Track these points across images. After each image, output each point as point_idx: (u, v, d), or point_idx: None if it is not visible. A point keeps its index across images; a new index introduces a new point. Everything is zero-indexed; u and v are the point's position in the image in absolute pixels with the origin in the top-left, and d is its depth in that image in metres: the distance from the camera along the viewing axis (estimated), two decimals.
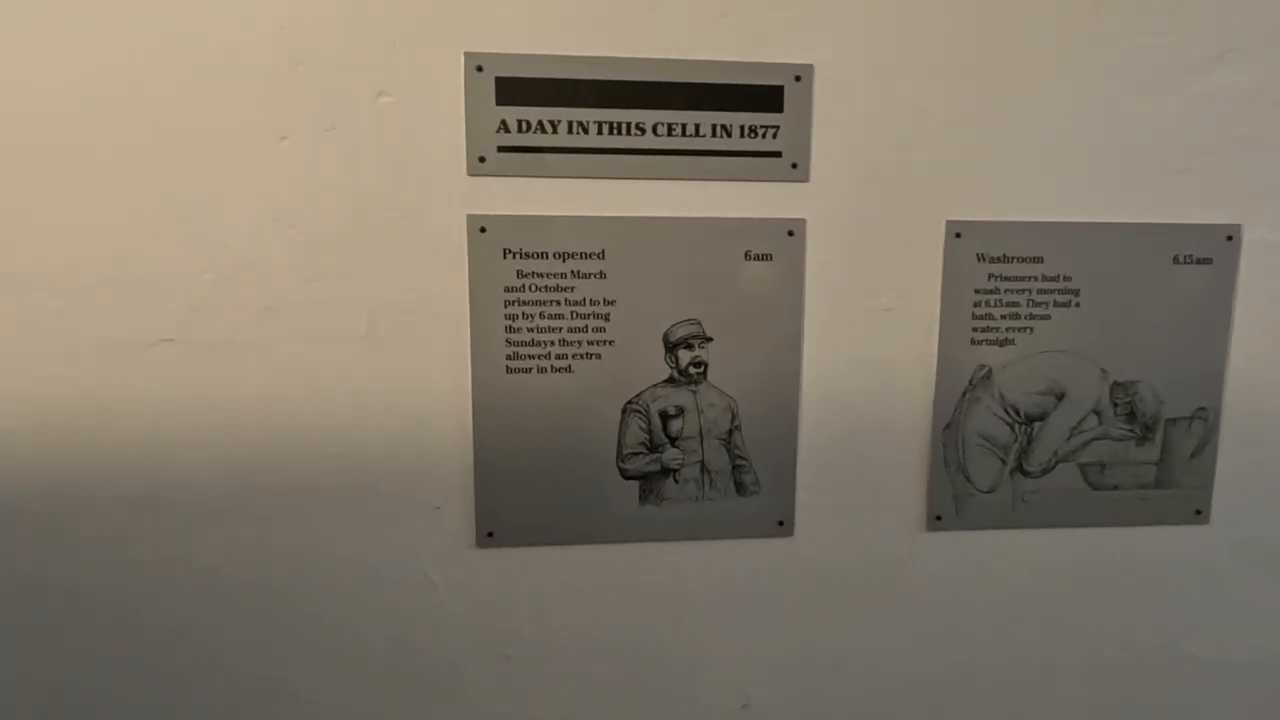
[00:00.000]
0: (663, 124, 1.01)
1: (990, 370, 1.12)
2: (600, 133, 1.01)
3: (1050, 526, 1.16)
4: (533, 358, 1.04)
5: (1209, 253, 1.12)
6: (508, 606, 1.10)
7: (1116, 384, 1.14)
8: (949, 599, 1.17)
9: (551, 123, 1.00)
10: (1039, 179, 1.09)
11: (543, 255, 1.02)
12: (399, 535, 1.07)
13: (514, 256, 1.02)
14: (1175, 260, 1.12)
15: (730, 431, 1.09)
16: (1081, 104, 1.07)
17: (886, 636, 1.17)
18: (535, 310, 1.03)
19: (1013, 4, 1.04)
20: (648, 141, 1.01)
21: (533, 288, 1.03)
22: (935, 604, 1.17)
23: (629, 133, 1.01)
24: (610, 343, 1.05)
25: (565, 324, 1.04)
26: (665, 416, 1.07)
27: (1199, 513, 1.18)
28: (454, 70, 0.97)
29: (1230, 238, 1.12)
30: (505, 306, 1.02)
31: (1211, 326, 1.14)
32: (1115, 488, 1.16)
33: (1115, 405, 1.14)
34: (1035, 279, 1.11)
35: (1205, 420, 1.16)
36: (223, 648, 1.08)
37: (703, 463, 1.09)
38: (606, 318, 1.04)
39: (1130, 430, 1.15)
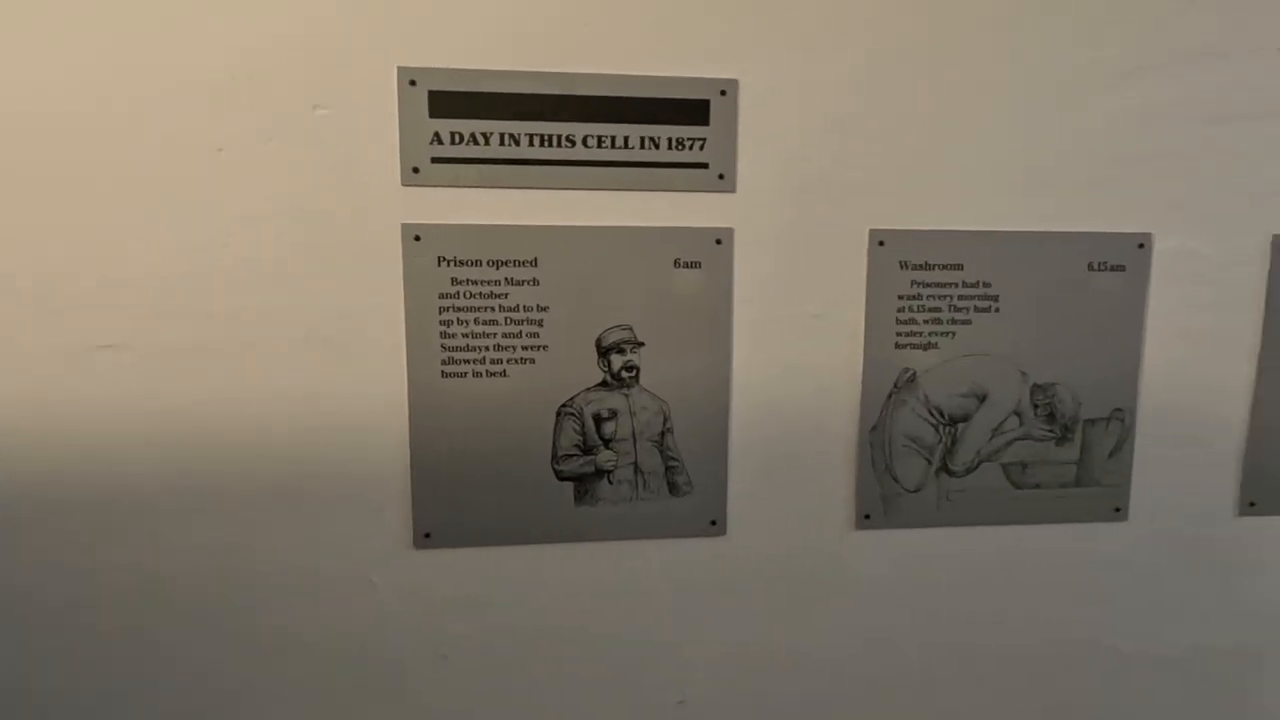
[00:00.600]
0: (592, 136, 1.05)
1: (914, 373, 1.16)
2: (532, 145, 1.04)
3: (975, 524, 1.20)
4: (468, 363, 1.07)
5: (1122, 260, 1.17)
6: (446, 606, 1.13)
7: (1036, 386, 1.18)
8: (879, 596, 1.21)
9: (484, 135, 1.03)
10: (959, 190, 1.13)
11: (476, 263, 1.05)
12: (339, 537, 1.09)
13: (448, 264, 1.05)
14: (1090, 267, 1.17)
15: (663, 433, 1.12)
16: (1000, 118, 1.12)
17: (819, 633, 1.20)
18: (470, 316, 1.06)
19: (933, 22, 1.09)
20: (578, 153, 1.05)
21: (467, 294, 1.06)
22: (865, 600, 1.20)
23: (560, 145, 1.04)
24: (544, 348, 1.08)
25: (499, 330, 1.07)
26: (599, 419, 1.11)
27: (1118, 510, 1.23)
28: (388, 84, 1.00)
29: (1142, 246, 1.17)
30: (440, 313, 1.05)
31: (1126, 330, 1.19)
32: (1037, 486, 1.21)
33: (1035, 406, 1.19)
34: (956, 285, 1.15)
35: (1122, 420, 1.21)
36: (167, 650, 1.10)
37: (636, 464, 1.12)
38: (540, 324, 1.08)
39: (1050, 430, 1.20)
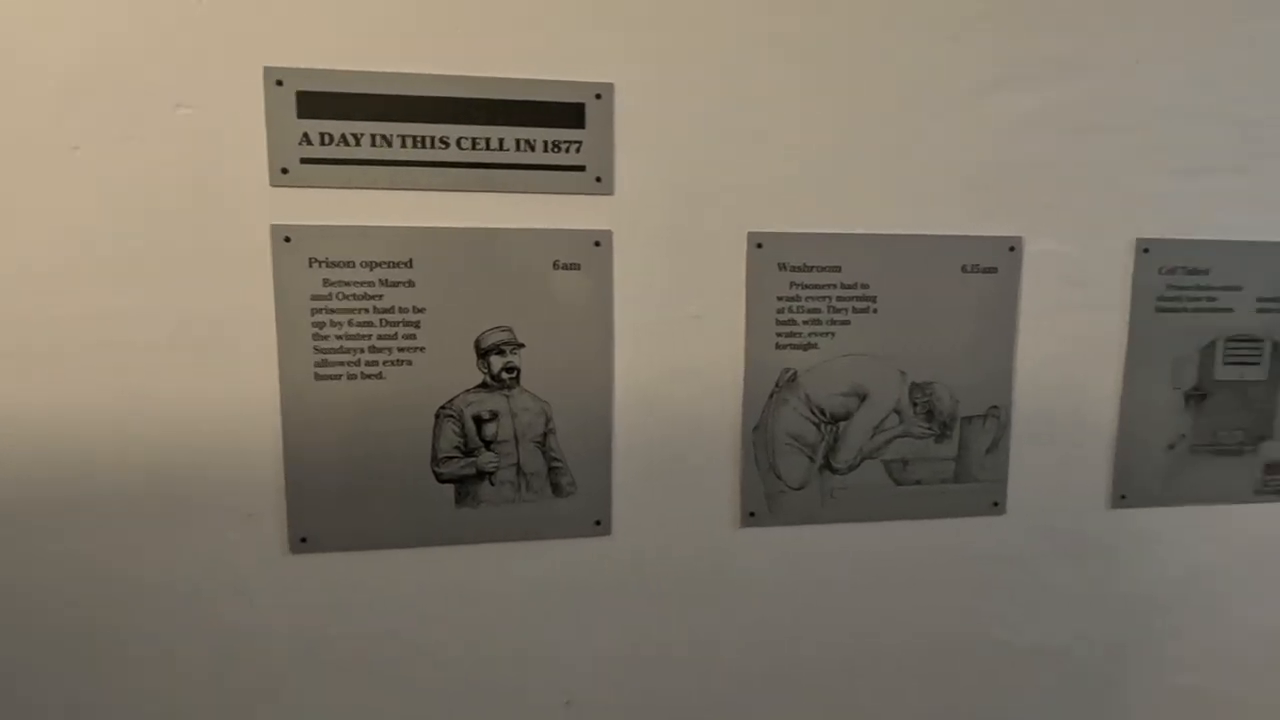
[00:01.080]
0: (466, 138, 1.05)
1: (795, 373, 1.18)
2: (404, 146, 1.04)
3: (858, 521, 1.23)
4: (343, 365, 1.06)
5: (994, 262, 1.22)
6: (325, 612, 1.11)
7: (915, 385, 1.22)
8: (765, 593, 1.23)
9: (354, 136, 1.02)
10: (835, 193, 1.16)
11: (349, 264, 1.04)
12: (211, 545, 1.07)
13: (320, 265, 1.04)
14: (964, 269, 1.21)
15: (545, 434, 1.12)
16: (875, 123, 1.15)
17: (706, 631, 1.22)
18: (344, 318, 1.05)
19: (808, 27, 1.11)
20: (452, 155, 1.05)
21: (340, 296, 1.05)
22: (751, 598, 1.22)
23: (433, 146, 1.04)
24: (421, 349, 1.08)
25: (375, 331, 1.06)
26: (479, 421, 1.10)
27: (996, 504, 1.27)
28: (254, 84, 0.99)
29: (1013, 248, 1.22)
30: (312, 315, 1.04)
31: (999, 331, 1.23)
32: (917, 483, 1.24)
33: (914, 405, 1.22)
34: (835, 287, 1.18)
35: (997, 418, 1.25)
36: (27, 670, 1.06)
37: (518, 465, 1.12)
38: (417, 325, 1.07)
39: (929, 428, 1.23)
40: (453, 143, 1.05)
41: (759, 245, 1.15)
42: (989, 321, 1.22)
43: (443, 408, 1.09)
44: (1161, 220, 1.25)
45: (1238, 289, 1.29)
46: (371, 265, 1.05)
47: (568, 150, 1.07)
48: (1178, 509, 1.32)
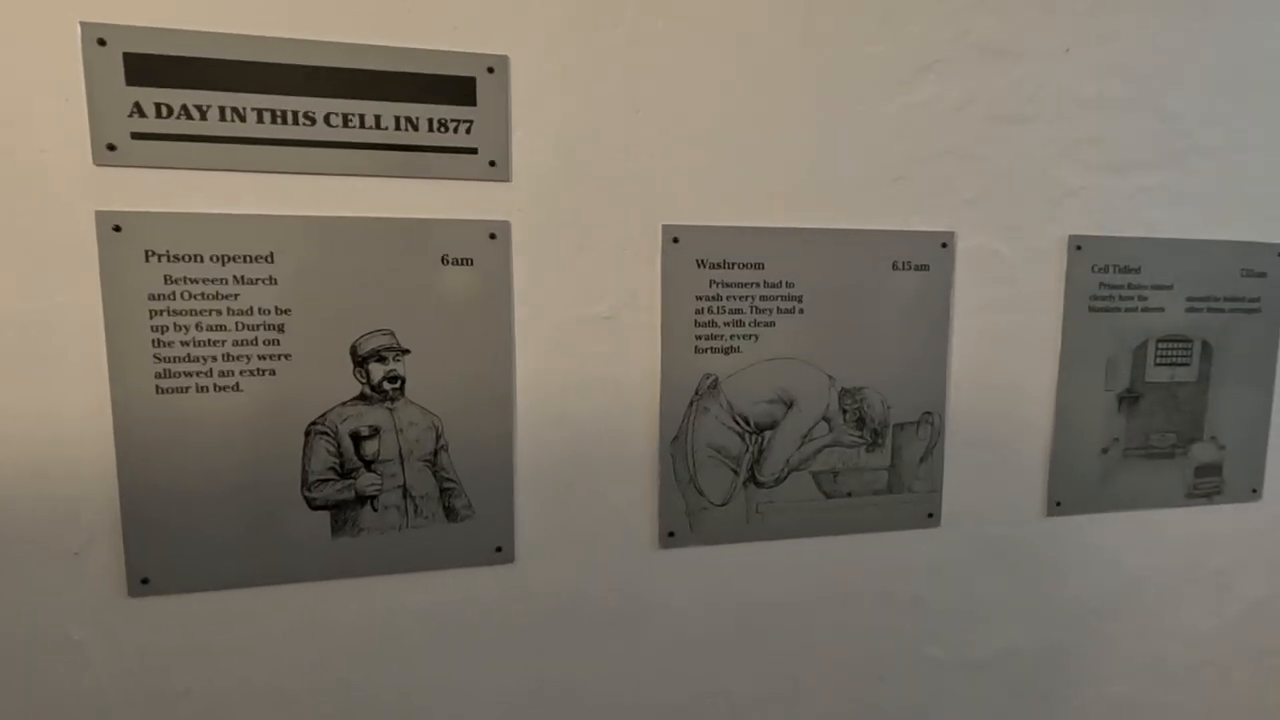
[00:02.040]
0: (337, 114, 0.91)
1: (717, 379, 1.09)
2: (263, 122, 0.89)
3: (786, 537, 1.14)
4: (190, 375, 0.91)
5: (925, 259, 1.15)
6: (172, 663, 0.95)
7: (844, 390, 1.14)
8: (687, 619, 1.12)
9: (199, 108, 0.88)
10: (757, 184, 1.07)
11: (196, 258, 0.89)
12: (30, 589, 0.90)
13: (159, 259, 0.88)
14: (894, 267, 1.13)
15: (435, 452, 1.00)
16: (798, 110, 1.06)
17: (622, 665, 1.11)
18: (190, 321, 0.90)
19: (727, 5, 1.02)
20: (320, 133, 0.91)
21: (186, 295, 0.90)
22: (672, 625, 1.12)
23: (297, 122, 0.90)
24: (286, 357, 0.93)
25: (229, 336, 0.91)
26: (358, 438, 0.97)
27: (930, 516, 1.20)
28: (69, 43, 0.84)
29: (945, 245, 1.15)
30: (151, 317, 0.89)
31: (932, 332, 1.16)
32: (849, 495, 1.16)
33: (844, 412, 1.14)
34: (757, 285, 1.09)
35: (931, 424, 1.18)
36: None
37: (405, 487, 0.99)
38: (280, 329, 0.93)
39: (860, 436, 1.15)
40: (320, 119, 0.91)
41: (675, 240, 1.04)
42: (921, 322, 1.15)
43: (314, 423, 0.95)
44: (1093, 217, 1.20)
45: (1168, 288, 1.26)
46: (224, 259, 0.90)
47: (457, 130, 0.95)
48: (1112, 515, 1.28)
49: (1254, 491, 1.35)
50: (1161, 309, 1.26)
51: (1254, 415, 1.33)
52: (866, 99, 1.08)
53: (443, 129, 0.95)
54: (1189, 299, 1.27)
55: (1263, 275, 1.30)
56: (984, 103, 1.13)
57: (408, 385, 0.97)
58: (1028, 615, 1.27)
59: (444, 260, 0.97)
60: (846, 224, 1.10)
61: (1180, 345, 1.27)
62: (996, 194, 1.16)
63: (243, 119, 0.89)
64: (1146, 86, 1.19)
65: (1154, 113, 1.20)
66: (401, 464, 0.99)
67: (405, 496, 0.99)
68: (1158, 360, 1.27)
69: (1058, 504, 1.25)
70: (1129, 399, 1.26)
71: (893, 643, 1.22)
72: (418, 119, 0.94)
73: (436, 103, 0.94)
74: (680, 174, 1.04)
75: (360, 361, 0.96)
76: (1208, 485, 1.32)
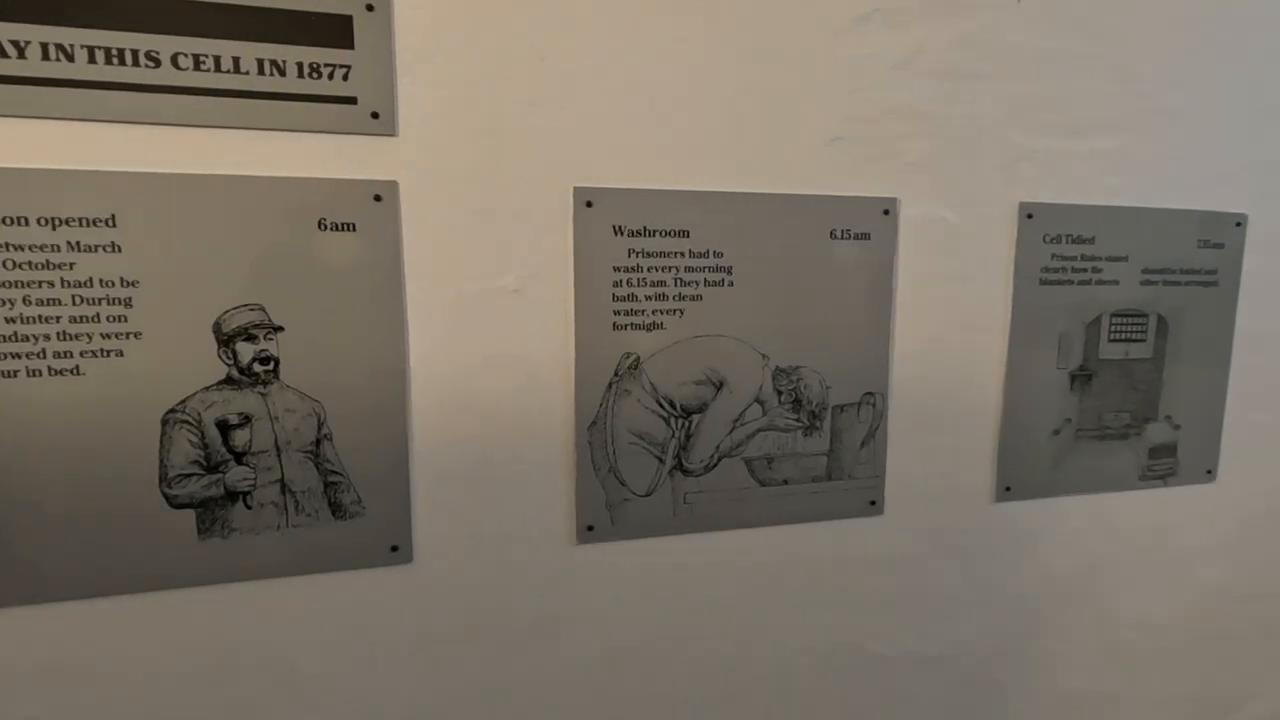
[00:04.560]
0: (186, 55, 0.79)
1: (639, 358, 0.99)
2: (94, 61, 0.77)
3: (717, 529, 1.06)
4: (17, 357, 0.78)
5: (866, 228, 1.06)
6: (16, 687, 0.84)
7: (779, 370, 1.05)
8: (610, 620, 1.03)
9: (15, 44, 0.75)
10: (680, 144, 0.96)
11: (19, 221, 0.77)
12: None
13: None
14: (832, 235, 1.05)
15: (318, 442, 0.89)
16: (725, 61, 0.96)
17: (538, 671, 1.02)
18: (16, 295, 0.78)
19: None
20: (166, 76, 0.79)
21: (9, 264, 0.77)
22: (592, 627, 1.03)
23: (137, 63, 0.78)
24: (136, 335, 0.82)
25: (65, 312, 0.79)
26: (225, 427, 0.86)
27: (873, 504, 1.12)
28: None
29: (887, 212, 1.06)
30: None
31: (874, 307, 1.07)
32: (785, 482, 1.08)
33: (779, 393, 1.06)
34: (683, 255, 0.99)
35: (873, 406, 1.10)
36: None
37: (283, 481, 0.88)
38: (127, 303, 0.81)
39: (796, 419, 1.07)
40: (166, 60, 0.79)
41: (588, 204, 0.94)
42: (862, 296, 1.07)
43: (172, 411, 0.84)
44: (1046, 183, 1.12)
45: (1123, 259, 1.19)
46: (54, 223, 0.78)
47: (332, 77, 0.83)
48: (1063, 499, 1.22)
49: (1209, 473, 1.29)
50: (1116, 282, 1.19)
51: (1209, 394, 1.27)
52: (799, 50, 0.99)
53: (315, 74, 0.83)
54: (1144, 271, 1.20)
55: (1220, 246, 1.23)
56: (929, 58, 1.04)
57: (282, 367, 0.86)
58: (978, 605, 1.20)
59: (321, 225, 0.85)
60: (780, 189, 1.01)
61: (1135, 320, 1.21)
62: (943, 157, 1.07)
63: (70, 58, 0.76)
64: (1105, 44, 1.12)
65: (1113, 72, 1.13)
66: (278, 455, 0.87)
67: (284, 492, 0.88)
68: (1112, 336, 1.20)
69: (1007, 489, 1.18)
70: (1081, 377, 1.19)
71: (836, 639, 1.14)
72: (284, 62, 0.82)
73: (306, 44, 0.82)
74: (594, 131, 0.93)
75: (225, 340, 0.84)
76: (1162, 467, 1.27)
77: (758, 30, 0.97)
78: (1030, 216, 1.12)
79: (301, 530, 0.90)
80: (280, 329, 0.86)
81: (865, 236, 1.06)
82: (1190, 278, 1.22)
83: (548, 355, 0.96)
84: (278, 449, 0.87)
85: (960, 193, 1.09)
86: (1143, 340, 1.22)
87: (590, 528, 1.00)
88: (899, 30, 1.02)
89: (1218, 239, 1.23)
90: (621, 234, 0.96)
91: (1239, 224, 1.24)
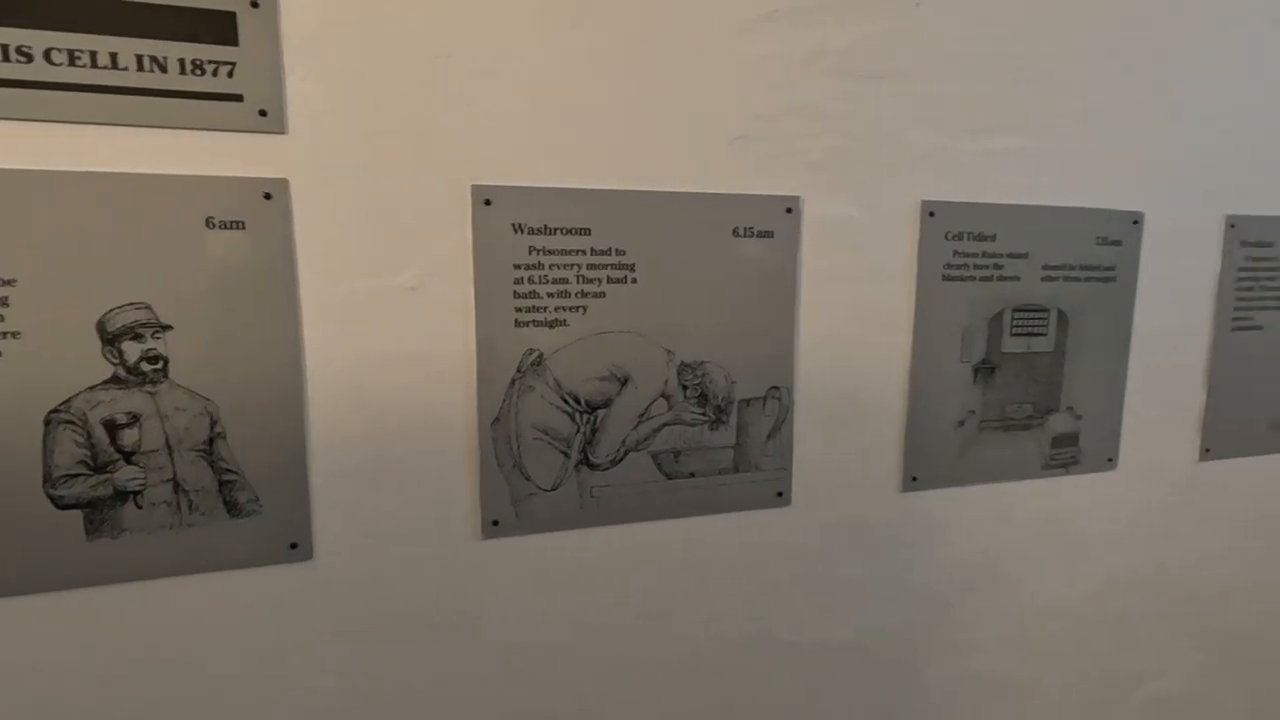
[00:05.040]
0: (61, 50, 0.78)
1: (541, 355, 1.00)
2: None
3: (625, 522, 1.07)
4: None
5: (769, 225, 1.08)
6: None
7: (684, 365, 1.07)
8: (518, 615, 1.05)
9: None
10: (581, 142, 0.98)
11: None
12: None
13: None
14: (735, 233, 1.07)
15: (211, 440, 0.88)
16: (627, 57, 0.97)
17: (446, 669, 1.03)
18: None
19: None
20: (40, 72, 0.78)
21: None
22: (501, 623, 1.04)
23: (8, 58, 0.77)
24: (14, 335, 0.80)
25: None
26: (113, 426, 0.85)
27: (780, 495, 1.15)
28: None
29: (790, 210, 1.09)
30: None
31: (778, 302, 1.10)
32: (692, 475, 1.10)
33: (685, 388, 1.08)
34: (584, 253, 1.00)
35: (779, 399, 1.12)
36: None
37: (175, 480, 0.88)
38: (4, 302, 0.80)
39: (702, 414, 1.09)
40: (39, 55, 0.78)
41: (487, 202, 0.95)
42: (767, 293, 1.09)
43: (55, 411, 0.83)
44: (947, 181, 1.16)
45: (1024, 256, 1.23)
46: None
47: (216, 74, 0.83)
48: (969, 489, 1.26)
49: (1110, 461, 1.35)
50: (1017, 278, 1.23)
51: (1109, 385, 1.32)
52: (702, 48, 1.00)
53: (198, 71, 0.82)
54: (1045, 268, 1.24)
55: (1118, 244, 1.28)
56: (833, 57, 1.07)
57: (172, 366, 0.86)
58: (887, 593, 1.24)
59: (209, 223, 0.85)
60: (683, 187, 1.03)
61: (1036, 315, 1.25)
62: (846, 156, 1.10)
63: None
64: (1007, 45, 1.15)
65: (1015, 74, 1.16)
66: (170, 455, 0.87)
67: (176, 491, 0.88)
68: (1014, 330, 1.24)
69: (914, 479, 1.22)
70: (985, 370, 1.24)
71: (747, 628, 1.17)
72: (165, 59, 0.81)
73: (188, 40, 0.81)
74: (491, 129, 0.94)
75: (110, 339, 0.83)
76: (1064, 456, 1.32)
77: (660, 27, 0.98)
78: (932, 214, 1.16)
79: (196, 529, 0.89)
80: (168, 328, 0.85)
81: (768, 234, 1.08)
82: (1089, 274, 1.27)
83: (449, 352, 0.96)
84: (169, 448, 0.87)
85: (863, 191, 1.12)
86: (1044, 334, 1.26)
87: (495, 523, 1.02)
88: (802, 29, 1.04)
89: (1116, 236, 1.28)
90: (522, 232, 0.97)
91: (1136, 222, 1.29)
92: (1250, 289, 1.39)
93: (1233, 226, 1.35)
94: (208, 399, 0.88)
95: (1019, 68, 1.16)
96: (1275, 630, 1.56)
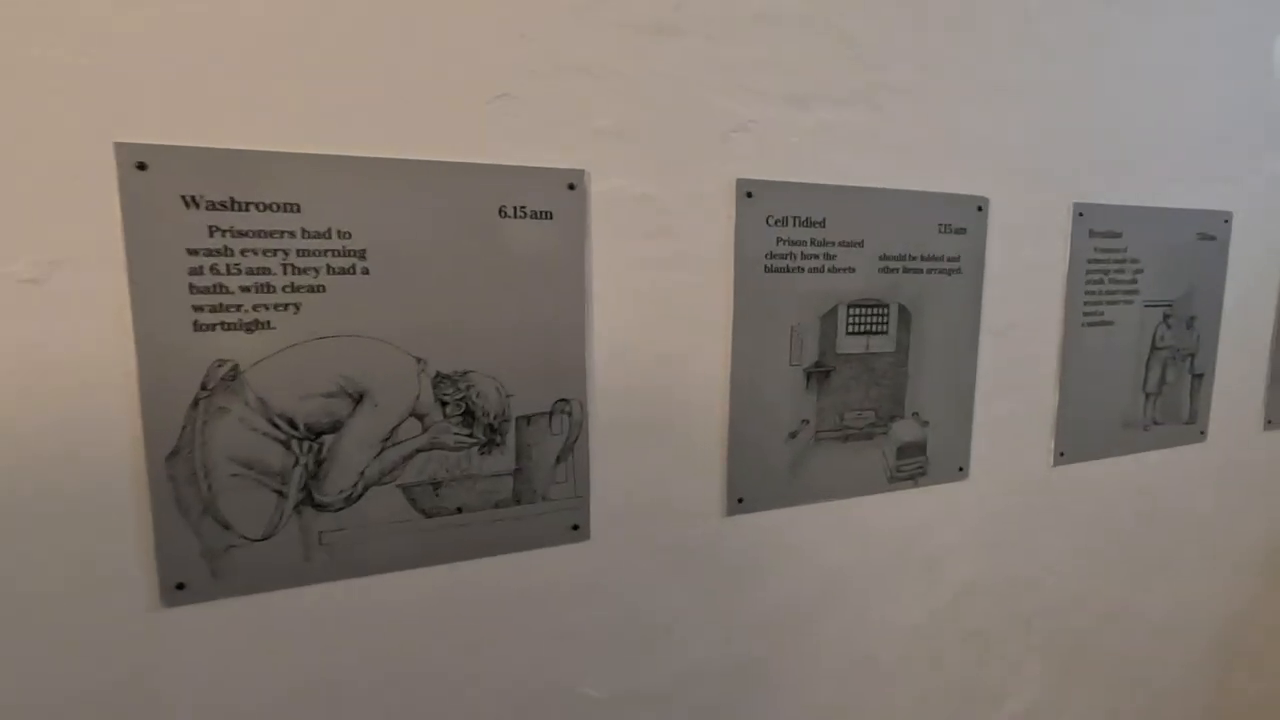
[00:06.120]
0: None
1: (237, 366, 0.78)
2: None
3: (371, 573, 0.86)
4: None
5: (548, 205, 0.89)
6: None
7: (441, 376, 0.87)
8: (216, 700, 0.82)
9: None
10: (280, 91, 0.75)
11: None
12: None
13: None
14: (502, 213, 0.87)
15: None
16: None
17: None
18: None
19: None
20: None
21: None
22: (191, 709, 0.82)
23: None
24: None
25: None
26: None
27: (576, 528, 0.96)
28: None
29: (573, 186, 0.90)
30: None
31: (563, 299, 0.91)
32: (459, 510, 0.90)
33: (444, 404, 0.87)
34: (293, 235, 0.78)
35: (569, 414, 0.94)
36: None
37: None
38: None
39: (469, 435, 0.89)
40: None
41: (140, 165, 0.72)
42: (548, 286, 0.90)
43: None
44: (766, 158, 1.00)
45: (859, 245, 1.09)
46: None
47: None
48: (805, 508, 1.11)
49: (960, 470, 1.24)
50: (852, 269, 1.09)
51: (958, 387, 1.21)
52: None
53: None
54: (883, 258, 1.11)
55: (963, 232, 1.16)
56: (616, 6, 0.89)
57: None
58: (712, 630, 1.08)
59: None
60: (426, 154, 0.82)
61: (875, 311, 1.12)
62: (642, 124, 0.92)
63: None
64: (829, 8, 1.01)
65: (836, 37, 1.02)
66: None
67: None
68: (850, 328, 1.10)
69: (740, 500, 1.06)
70: (819, 374, 1.09)
71: (538, 685, 0.98)
72: None
73: None
74: (145, 68, 0.71)
75: None
76: (911, 466, 1.19)
77: None
78: (750, 195, 1.00)
79: None
80: None
81: (546, 215, 0.89)
82: (931, 265, 1.15)
83: (93, 368, 0.72)
84: None
85: (664, 166, 0.94)
86: (884, 332, 1.13)
87: (181, 585, 0.78)
88: None
89: (959, 224, 1.16)
90: (197, 207, 0.74)
91: (980, 208, 1.17)
92: (1100, 282, 1.30)
93: (1081, 215, 1.27)
94: None
95: (844, 32, 1.01)
96: (1124, 635, 1.50)
